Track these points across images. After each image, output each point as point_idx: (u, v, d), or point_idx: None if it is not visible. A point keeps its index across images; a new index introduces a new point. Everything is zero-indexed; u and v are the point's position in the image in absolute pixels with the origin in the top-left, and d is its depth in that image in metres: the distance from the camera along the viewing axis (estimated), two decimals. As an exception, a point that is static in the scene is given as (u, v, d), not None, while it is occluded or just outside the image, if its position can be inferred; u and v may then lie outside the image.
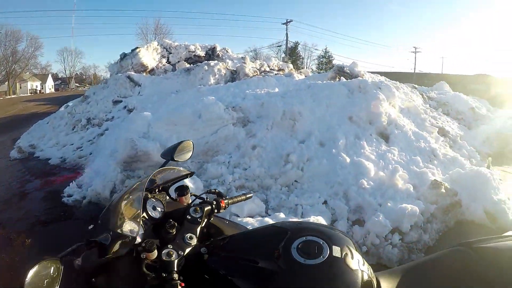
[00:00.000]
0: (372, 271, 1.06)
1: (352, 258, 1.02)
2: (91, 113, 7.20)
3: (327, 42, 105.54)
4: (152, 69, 9.32)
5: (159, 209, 1.24)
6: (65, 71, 56.32)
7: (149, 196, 1.25)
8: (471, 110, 8.63)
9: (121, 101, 7.18)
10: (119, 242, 1.02)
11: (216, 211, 1.28)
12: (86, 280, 1.07)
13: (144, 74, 8.70)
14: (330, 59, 54.50)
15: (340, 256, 1.00)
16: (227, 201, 1.34)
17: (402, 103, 6.21)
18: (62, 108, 9.59)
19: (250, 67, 8.58)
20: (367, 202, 3.26)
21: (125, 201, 1.16)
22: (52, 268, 0.95)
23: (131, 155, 3.96)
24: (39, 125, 8.30)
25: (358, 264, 1.01)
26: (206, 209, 1.24)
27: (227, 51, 10.89)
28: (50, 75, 52.34)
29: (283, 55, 48.17)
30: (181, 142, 1.48)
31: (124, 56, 9.57)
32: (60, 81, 57.38)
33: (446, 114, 8.16)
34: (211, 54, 10.65)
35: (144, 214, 1.18)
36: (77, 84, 56.64)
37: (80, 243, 1.04)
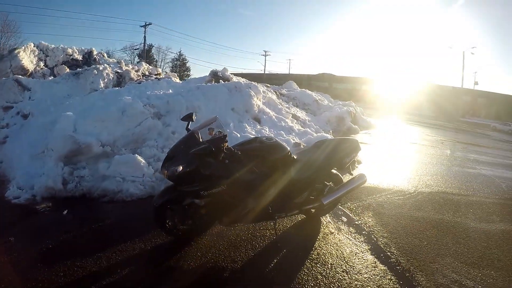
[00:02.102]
0: None
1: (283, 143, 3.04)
2: (-19, 123, 6.81)
3: (181, 45, 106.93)
4: (31, 73, 9.09)
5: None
6: None
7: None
8: (315, 102, 11.81)
9: (12, 107, 7.07)
10: (217, 141, 2.69)
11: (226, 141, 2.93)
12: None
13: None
14: (184, 62, 56.22)
15: (280, 142, 2.95)
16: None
17: (264, 98, 8.52)
18: None
19: (134, 72, 9.54)
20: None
21: (191, 136, 2.76)
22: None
23: (72, 149, 4.65)
24: None
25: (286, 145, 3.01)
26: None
27: (103, 56, 11.33)
28: None
29: (136, 58, 47.30)
30: (191, 112, 3.09)
31: (1, 58, 8.88)
32: None
33: (296, 106, 11.03)
34: (88, 58, 10.90)
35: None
36: None
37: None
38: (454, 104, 42.83)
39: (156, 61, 52.71)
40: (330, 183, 3.49)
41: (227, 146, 2.87)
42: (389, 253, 3.28)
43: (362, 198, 4.80)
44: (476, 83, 50.16)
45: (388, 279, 2.84)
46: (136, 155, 4.63)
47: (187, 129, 3.15)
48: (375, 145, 9.64)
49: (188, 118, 3.18)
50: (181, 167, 2.75)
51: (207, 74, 9.77)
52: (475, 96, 47.47)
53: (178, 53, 55.77)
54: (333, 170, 3.56)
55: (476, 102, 47.00)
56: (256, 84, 8.71)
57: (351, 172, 3.74)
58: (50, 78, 9.01)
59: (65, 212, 3.81)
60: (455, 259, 3.31)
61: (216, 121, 3.13)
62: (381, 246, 3.42)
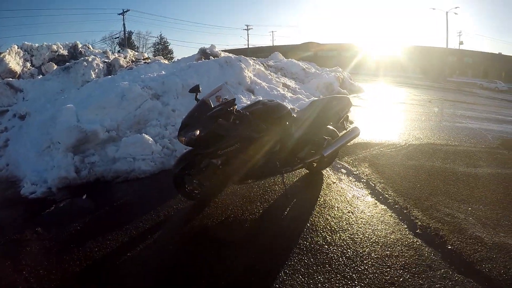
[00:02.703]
0: None
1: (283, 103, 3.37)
2: (-21, 129, 6.86)
3: (161, 29, 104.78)
4: (19, 75, 9.09)
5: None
6: None
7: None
8: (303, 70, 11.96)
9: (7, 110, 7.18)
10: (228, 104, 2.94)
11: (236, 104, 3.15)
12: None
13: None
14: (166, 45, 55.27)
15: (280, 102, 3.25)
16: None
17: (253, 70, 8.68)
18: None
19: (122, 59, 9.58)
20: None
21: (202, 104, 3.01)
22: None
23: (79, 138, 4.78)
24: None
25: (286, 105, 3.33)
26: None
27: (88, 48, 11.27)
28: None
29: (117, 47, 46.34)
30: (197, 85, 3.33)
31: (-13, 65, 8.84)
32: None
33: (284, 75, 11.19)
34: (74, 52, 10.85)
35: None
36: None
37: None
38: (440, 65, 43.26)
39: (138, 47, 51.60)
40: (328, 137, 3.79)
41: (236, 108, 3.12)
42: (387, 195, 3.65)
43: (357, 153, 5.18)
44: (461, 43, 50.45)
45: (389, 215, 3.21)
46: (143, 134, 4.82)
47: (196, 99, 3.39)
48: (365, 106, 10.02)
49: (195, 89, 3.45)
50: (197, 131, 3.00)
51: (191, 54, 9.88)
52: (461, 56, 47.88)
53: (159, 37, 54.72)
54: (329, 126, 3.87)
55: (463, 62, 47.48)
56: (245, 58, 8.86)
57: (345, 127, 4.07)
58: (39, 77, 8.99)
59: (84, 197, 3.87)
60: (446, 197, 3.70)
61: (222, 89, 3.36)
62: (379, 190, 3.80)
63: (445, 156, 5.27)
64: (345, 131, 4.05)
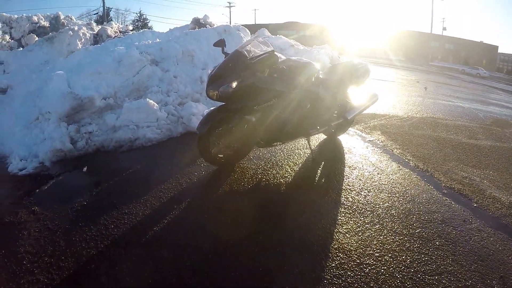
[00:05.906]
0: None
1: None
2: (-42, 104, 6.33)
3: (140, 4, 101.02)
4: None
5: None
6: None
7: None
8: (291, 47, 11.68)
9: None
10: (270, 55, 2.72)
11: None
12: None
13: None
14: (146, 22, 53.37)
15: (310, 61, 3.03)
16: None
17: (250, 41, 8.40)
18: None
19: (110, 29, 9.07)
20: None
21: (238, 54, 2.81)
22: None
23: (74, 106, 4.37)
24: None
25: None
26: None
27: (71, 19, 10.61)
28: None
29: (94, 24, 44.40)
30: (222, 38, 3.12)
31: (-37, 36, 8.16)
32: None
33: (273, 51, 10.92)
34: (55, 23, 10.18)
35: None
36: None
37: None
38: (422, 49, 43.91)
39: (116, 24, 49.68)
40: (350, 101, 3.71)
41: None
42: (406, 160, 3.67)
43: (366, 122, 5.20)
44: (444, 29, 51.22)
45: (415, 177, 3.23)
46: (147, 99, 4.54)
47: (223, 52, 3.12)
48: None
49: (221, 43, 3.18)
50: (235, 83, 2.68)
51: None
52: (443, 42, 48.75)
53: (139, 13, 52.70)
54: (348, 91, 3.76)
55: (445, 48, 48.39)
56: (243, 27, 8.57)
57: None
58: (19, 50, 8.40)
59: (85, 169, 3.32)
60: (459, 163, 3.79)
61: (253, 42, 3.11)
62: (398, 155, 3.81)
63: (447, 128, 5.38)
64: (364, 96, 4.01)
